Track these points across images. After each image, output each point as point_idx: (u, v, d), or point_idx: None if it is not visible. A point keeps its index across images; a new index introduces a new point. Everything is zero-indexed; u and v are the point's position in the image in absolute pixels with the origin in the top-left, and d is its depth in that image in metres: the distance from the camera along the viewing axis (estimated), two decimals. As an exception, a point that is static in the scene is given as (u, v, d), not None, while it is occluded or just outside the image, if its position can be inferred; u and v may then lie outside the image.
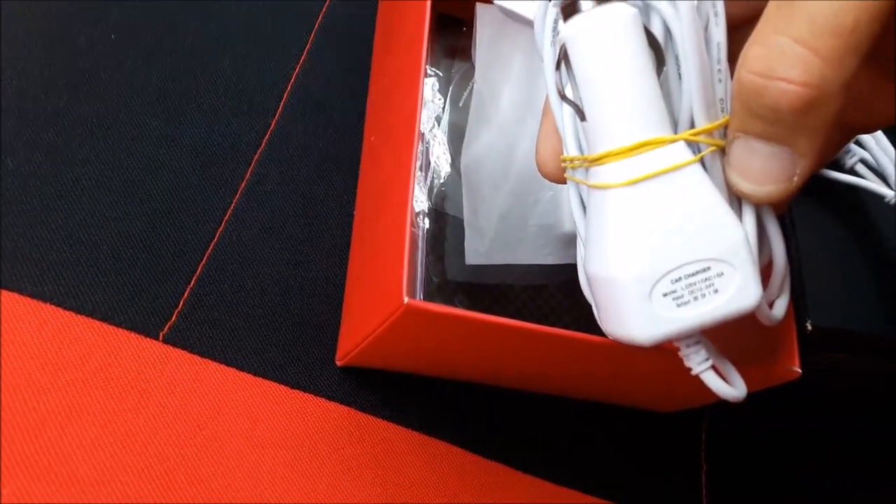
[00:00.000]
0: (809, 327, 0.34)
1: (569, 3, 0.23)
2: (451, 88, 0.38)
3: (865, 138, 0.38)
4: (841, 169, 0.39)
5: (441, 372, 0.37)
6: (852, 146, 0.39)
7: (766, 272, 0.26)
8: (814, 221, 0.37)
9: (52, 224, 0.34)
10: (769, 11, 0.22)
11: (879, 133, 0.38)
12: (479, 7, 0.35)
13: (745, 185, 0.24)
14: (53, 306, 0.32)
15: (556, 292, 0.38)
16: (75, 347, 0.32)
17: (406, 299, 0.27)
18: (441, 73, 0.39)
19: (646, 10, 0.24)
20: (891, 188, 0.38)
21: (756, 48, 0.22)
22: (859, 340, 0.35)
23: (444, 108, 0.38)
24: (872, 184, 0.38)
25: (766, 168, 0.23)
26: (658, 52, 0.24)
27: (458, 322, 0.28)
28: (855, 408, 0.44)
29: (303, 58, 0.43)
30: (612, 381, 0.36)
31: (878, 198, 0.38)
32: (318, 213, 0.39)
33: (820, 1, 0.21)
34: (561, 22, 0.24)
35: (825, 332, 0.34)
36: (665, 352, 0.31)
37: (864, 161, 0.39)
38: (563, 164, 0.26)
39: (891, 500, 0.43)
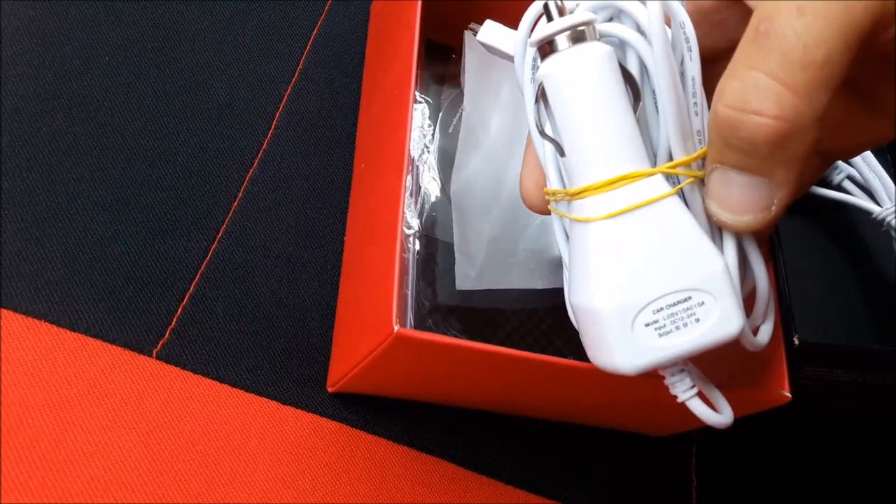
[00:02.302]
0: (797, 342, 0.34)
1: (545, 43, 0.24)
2: (440, 115, 0.39)
3: (852, 155, 0.39)
4: (828, 185, 0.39)
5: (433, 398, 0.37)
6: (839, 163, 0.39)
7: (751, 299, 0.27)
8: (801, 237, 0.38)
9: (47, 242, 0.34)
10: (743, 46, 0.22)
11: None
12: (468, 34, 0.36)
13: (724, 215, 0.24)
14: (48, 323, 0.33)
15: (546, 316, 0.38)
16: (70, 364, 0.32)
17: (396, 328, 0.27)
18: (430, 100, 0.39)
19: (621, 46, 0.24)
20: (878, 204, 0.38)
21: (731, 82, 0.22)
22: (847, 355, 0.36)
23: (433, 135, 0.38)
24: (860, 200, 0.39)
25: (744, 198, 0.24)
26: (634, 87, 0.24)
27: (449, 350, 0.28)
28: (842, 421, 0.44)
29: (294, 78, 0.43)
30: (601, 407, 0.36)
31: (866, 213, 0.38)
32: (310, 231, 0.40)
33: (791, 36, 0.21)
34: (539, 60, 0.24)
35: (813, 347, 0.35)
36: (655, 379, 0.31)
37: (850, 177, 0.39)
38: (546, 197, 0.26)
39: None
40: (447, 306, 0.36)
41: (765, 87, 0.22)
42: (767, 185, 0.23)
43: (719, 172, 0.24)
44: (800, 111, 0.22)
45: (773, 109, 0.22)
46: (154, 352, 0.34)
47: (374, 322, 0.29)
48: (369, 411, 0.36)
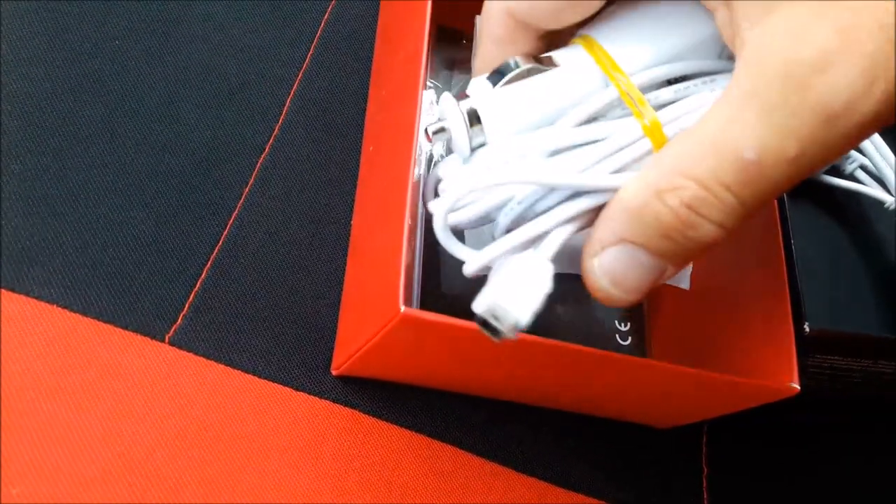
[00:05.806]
0: (808, 330, 0.34)
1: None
2: (450, 99, 0.38)
3: (865, 144, 0.38)
4: (840, 174, 0.39)
5: (442, 385, 0.37)
6: (852, 152, 0.39)
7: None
8: (812, 226, 0.37)
9: (59, 227, 0.34)
10: (680, 146, 0.23)
11: (879, 139, 0.38)
12: (479, 19, 0.35)
13: (615, 293, 0.25)
14: (60, 308, 0.33)
15: (554, 304, 0.38)
16: (82, 349, 0.32)
17: (402, 308, 0.26)
18: (440, 85, 0.38)
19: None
20: (890, 194, 0.38)
21: (680, 178, 0.22)
22: (858, 343, 0.35)
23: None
24: (872, 189, 0.39)
25: (644, 279, 0.24)
26: None
27: (456, 332, 0.28)
28: (855, 410, 0.44)
29: (306, 63, 0.43)
30: (609, 394, 0.36)
31: (878, 203, 0.38)
32: (321, 217, 0.40)
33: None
34: None
35: (824, 334, 0.35)
36: (663, 369, 0.31)
37: (863, 167, 0.39)
38: None
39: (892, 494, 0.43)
40: (453, 293, 0.35)
41: (724, 196, 0.22)
42: (667, 268, 0.24)
43: (624, 250, 0.24)
44: (739, 220, 0.23)
45: (727, 221, 0.22)
46: (167, 337, 0.34)
47: (380, 304, 0.29)
48: (383, 398, 0.36)
